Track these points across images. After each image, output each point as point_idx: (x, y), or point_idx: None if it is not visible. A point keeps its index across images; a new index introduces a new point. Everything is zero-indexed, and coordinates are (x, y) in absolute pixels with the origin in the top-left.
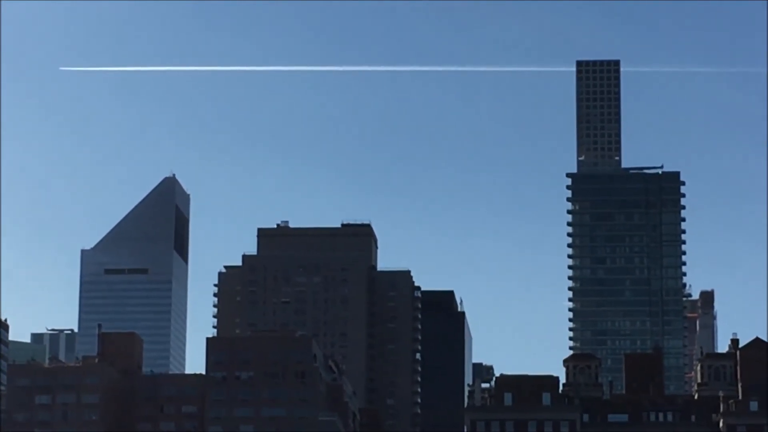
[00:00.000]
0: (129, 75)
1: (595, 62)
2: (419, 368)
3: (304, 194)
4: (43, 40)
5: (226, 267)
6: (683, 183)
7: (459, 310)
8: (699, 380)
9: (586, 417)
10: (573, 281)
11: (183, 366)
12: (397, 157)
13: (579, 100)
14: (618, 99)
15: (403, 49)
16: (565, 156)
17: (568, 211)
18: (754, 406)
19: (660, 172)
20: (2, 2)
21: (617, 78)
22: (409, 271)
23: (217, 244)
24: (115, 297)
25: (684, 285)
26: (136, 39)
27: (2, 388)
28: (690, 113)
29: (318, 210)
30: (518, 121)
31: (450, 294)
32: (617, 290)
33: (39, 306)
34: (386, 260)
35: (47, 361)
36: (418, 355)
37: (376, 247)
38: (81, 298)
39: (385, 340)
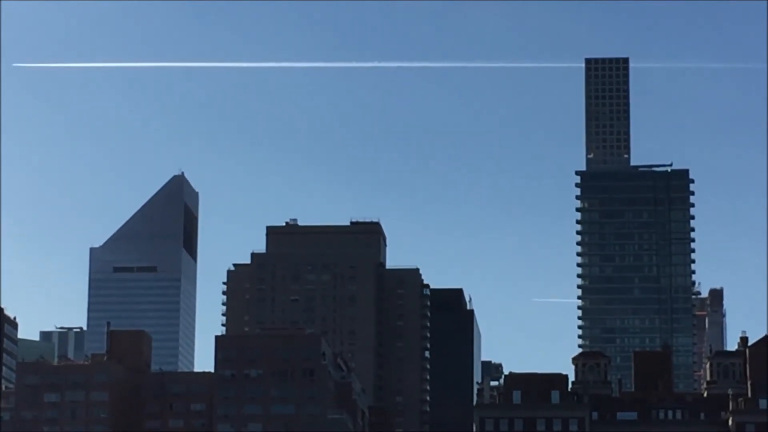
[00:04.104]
0: (138, 72)
1: (604, 59)
2: (428, 366)
3: (313, 192)
4: (44, 37)
5: (235, 265)
6: (692, 181)
7: (468, 308)
8: (708, 378)
9: (595, 415)
10: (582, 279)
11: (192, 364)
12: (405, 155)
13: (588, 97)
14: (627, 96)
15: (413, 46)
16: (574, 154)
17: (577, 209)
18: (763, 404)
19: (669, 170)
20: (2, 2)
21: (626, 75)
22: (417, 269)
23: (226, 242)
24: (123, 295)
25: (693, 283)
26: (148, 36)
27: (11, 386)
28: (699, 111)
29: (327, 208)
30: (527, 119)
31: (459, 292)
32: (626, 288)
33: (48, 304)
34: (395, 258)
35: (56, 359)
36: (426, 353)
37: (385, 245)
38: (90, 296)
39: (394, 338)
